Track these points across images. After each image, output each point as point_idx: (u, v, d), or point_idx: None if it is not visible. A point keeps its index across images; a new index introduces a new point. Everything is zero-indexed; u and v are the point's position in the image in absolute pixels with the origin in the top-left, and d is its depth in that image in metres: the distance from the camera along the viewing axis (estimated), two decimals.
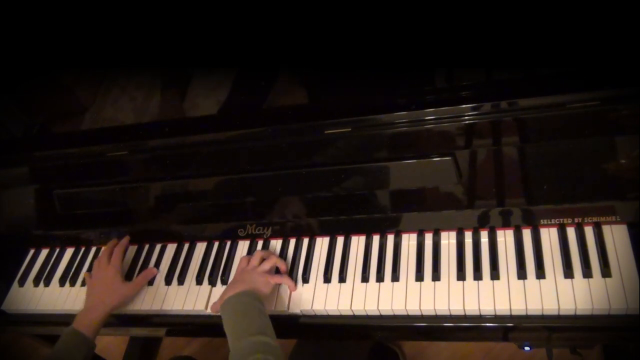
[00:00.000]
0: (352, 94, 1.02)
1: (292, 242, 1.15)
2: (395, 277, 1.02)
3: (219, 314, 1.01)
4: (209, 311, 1.10)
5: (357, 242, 1.10)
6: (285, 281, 1.07)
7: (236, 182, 1.13)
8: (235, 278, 1.07)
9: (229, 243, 1.20)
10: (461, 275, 0.98)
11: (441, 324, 0.97)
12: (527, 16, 0.83)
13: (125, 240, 1.23)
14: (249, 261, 1.09)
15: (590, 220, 0.97)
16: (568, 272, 0.93)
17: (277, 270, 1.10)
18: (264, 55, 0.98)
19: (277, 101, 1.04)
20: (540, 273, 0.94)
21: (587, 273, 0.92)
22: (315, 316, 1.05)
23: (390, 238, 1.08)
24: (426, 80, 0.96)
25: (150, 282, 1.19)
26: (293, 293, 1.07)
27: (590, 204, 0.96)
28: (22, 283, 1.30)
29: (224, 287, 1.13)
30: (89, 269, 1.24)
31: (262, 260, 1.09)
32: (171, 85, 1.08)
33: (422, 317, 0.99)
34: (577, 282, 0.92)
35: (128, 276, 1.21)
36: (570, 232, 0.98)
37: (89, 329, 1.05)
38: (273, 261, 1.08)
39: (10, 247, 1.37)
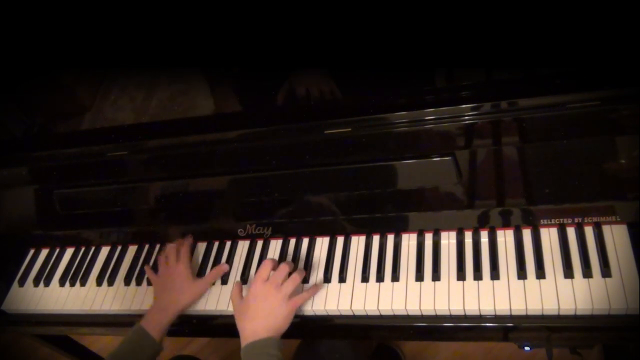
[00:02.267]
0: (352, 94, 1.02)
1: (292, 242, 1.15)
2: (395, 277, 1.02)
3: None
4: (208, 310, 1.10)
5: (357, 242, 1.10)
6: (310, 296, 1.02)
7: (236, 182, 1.13)
8: (256, 302, 0.97)
9: (229, 243, 1.20)
10: (461, 275, 0.98)
11: (441, 324, 0.97)
12: (527, 16, 0.83)
13: (190, 238, 1.18)
14: (269, 272, 1.01)
15: (590, 220, 0.97)
16: (568, 272, 0.93)
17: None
18: (263, 55, 0.98)
19: (277, 101, 1.04)
20: (540, 273, 0.94)
21: (587, 273, 0.92)
22: (315, 316, 1.05)
23: (390, 238, 1.08)
24: (426, 80, 0.96)
25: (149, 282, 1.19)
26: None
27: (590, 204, 0.96)
28: (22, 283, 1.30)
29: (224, 286, 1.13)
30: (141, 266, 1.21)
31: (286, 275, 1.01)
32: (171, 85, 1.08)
33: (422, 317, 0.99)
34: (577, 282, 0.92)
35: (127, 279, 1.21)
36: (570, 232, 0.98)
37: (157, 329, 1.02)
38: (297, 282, 1.00)
39: (10, 247, 1.37)
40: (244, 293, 1.04)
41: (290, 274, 1.03)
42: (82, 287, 1.24)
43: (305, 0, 0.89)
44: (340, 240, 1.12)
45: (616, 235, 0.95)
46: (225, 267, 1.13)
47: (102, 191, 1.21)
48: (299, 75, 1.01)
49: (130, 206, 1.22)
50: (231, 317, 1.07)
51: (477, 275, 0.97)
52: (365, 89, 1.01)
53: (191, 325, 1.13)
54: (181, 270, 1.10)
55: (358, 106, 0.98)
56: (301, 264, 1.11)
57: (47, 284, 1.28)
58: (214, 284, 1.14)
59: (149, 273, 1.16)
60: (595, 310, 0.89)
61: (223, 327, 1.12)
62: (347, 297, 1.03)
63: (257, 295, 0.98)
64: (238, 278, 1.13)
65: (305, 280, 1.08)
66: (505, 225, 1.02)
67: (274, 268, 1.04)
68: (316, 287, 1.04)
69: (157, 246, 1.25)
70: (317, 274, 1.08)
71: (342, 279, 1.06)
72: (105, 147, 1.15)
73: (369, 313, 1.01)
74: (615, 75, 0.85)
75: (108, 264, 1.26)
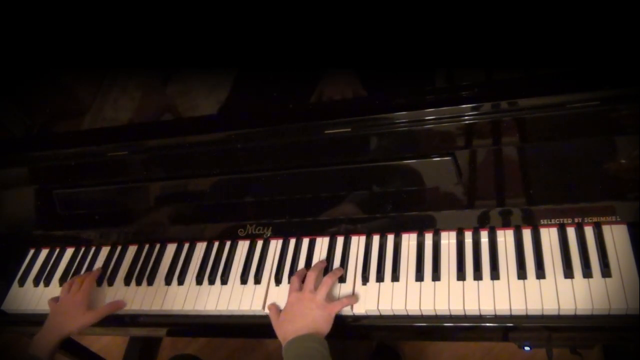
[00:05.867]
0: (352, 94, 1.02)
1: (292, 242, 1.15)
2: (395, 277, 1.02)
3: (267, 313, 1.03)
4: (208, 310, 1.10)
5: (357, 242, 1.10)
6: (349, 303, 1.01)
7: (236, 182, 1.13)
8: (294, 307, 1.00)
9: (229, 243, 1.20)
10: (461, 275, 0.98)
11: (441, 324, 0.97)
12: (527, 16, 0.83)
13: (97, 271, 1.23)
14: (300, 284, 1.03)
15: (590, 220, 0.97)
16: (568, 272, 0.93)
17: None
18: (263, 55, 0.98)
19: (276, 101, 1.04)
20: (540, 273, 0.94)
21: (587, 273, 0.92)
22: None
23: (390, 238, 1.08)
24: (426, 80, 0.96)
25: (150, 283, 1.19)
26: None
27: (590, 204, 0.96)
28: (22, 283, 1.30)
29: (224, 286, 1.13)
30: (68, 277, 1.25)
31: (315, 280, 1.02)
32: (171, 85, 1.08)
33: (422, 317, 0.99)
34: (577, 282, 0.92)
35: (127, 279, 1.21)
36: (570, 232, 0.98)
37: (44, 351, 1.06)
38: (329, 285, 1.01)
39: (10, 247, 1.37)
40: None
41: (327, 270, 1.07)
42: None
43: (306, 0, 0.89)
44: (340, 240, 1.12)
45: (616, 235, 0.95)
46: (122, 303, 1.16)
47: (102, 191, 1.21)
48: (299, 75, 1.01)
49: (130, 206, 1.22)
50: (229, 317, 1.08)
51: (477, 275, 0.97)
52: (366, 89, 1.00)
53: (191, 325, 1.14)
54: (77, 300, 1.13)
55: (358, 106, 0.98)
56: (301, 264, 1.11)
57: (47, 284, 1.28)
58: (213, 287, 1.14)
59: (49, 302, 1.18)
60: (595, 310, 0.89)
61: (223, 327, 1.12)
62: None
63: (294, 302, 1.01)
64: (238, 278, 1.13)
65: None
66: (505, 225, 1.02)
67: (303, 279, 1.05)
68: (354, 297, 1.03)
69: (157, 246, 1.25)
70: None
71: (342, 279, 1.06)
72: (105, 147, 1.15)
73: (369, 313, 1.01)
74: (615, 75, 0.85)
75: (108, 264, 1.26)
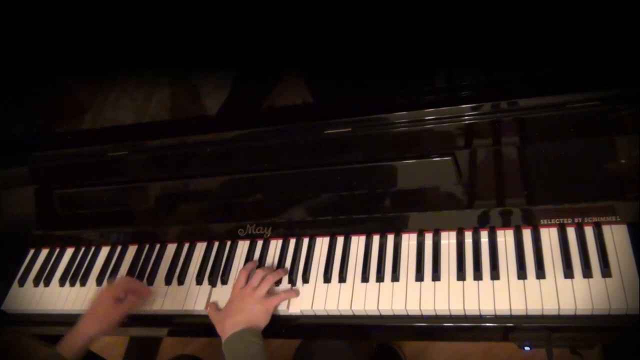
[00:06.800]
0: (352, 94, 1.02)
1: (292, 242, 1.15)
2: (395, 277, 1.02)
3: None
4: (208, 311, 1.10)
5: (357, 242, 1.10)
6: (286, 297, 1.06)
7: (236, 182, 1.13)
8: (234, 304, 1.05)
9: (229, 243, 1.20)
10: (461, 275, 0.98)
11: (441, 324, 0.97)
12: (527, 16, 0.83)
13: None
14: (246, 280, 1.08)
15: (590, 220, 0.97)
16: (568, 272, 0.93)
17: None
18: (263, 55, 0.98)
19: (277, 101, 1.04)
20: (540, 273, 0.94)
21: (587, 273, 0.92)
22: (316, 316, 1.05)
23: (390, 238, 1.08)
24: (426, 80, 0.96)
25: (150, 283, 1.19)
26: None
27: (590, 204, 0.96)
28: (22, 283, 1.30)
29: (224, 286, 1.13)
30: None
31: (262, 279, 1.06)
32: (171, 85, 1.08)
33: (422, 317, 0.99)
34: (577, 282, 0.92)
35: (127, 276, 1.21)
36: (570, 232, 0.98)
37: (69, 352, 1.03)
38: (270, 282, 1.06)
39: (10, 247, 1.37)
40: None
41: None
42: (82, 287, 1.24)
43: (306, 0, 0.89)
44: (340, 240, 1.12)
45: (616, 235, 0.95)
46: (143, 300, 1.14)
47: (102, 191, 1.21)
48: (299, 75, 1.01)
49: (130, 206, 1.22)
50: None
51: (477, 275, 0.97)
52: (366, 89, 1.01)
53: (191, 325, 1.14)
54: (107, 300, 1.09)
55: (358, 106, 0.98)
56: (301, 264, 1.11)
57: (47, 284, 1.28)
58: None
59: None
60: (595, 310, 0.89)
61: None
62: (347, 297, 1.03)
63: (235, 299, 1.06)
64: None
65: (306, 280, 1.08)
66: (505, 225, 1.02)
67: (248, 276, 1.09)
68: (292, 291, 1.07)
69: (157, 246, 1.25)
70: (317, 274, 1.08)
71: (342, 279, 1.06)
72: (105, 147, 1.15)
73: (369, 313, 1.01)
74: (615, 75, 0.85)
75: (108, 264, 1.26)
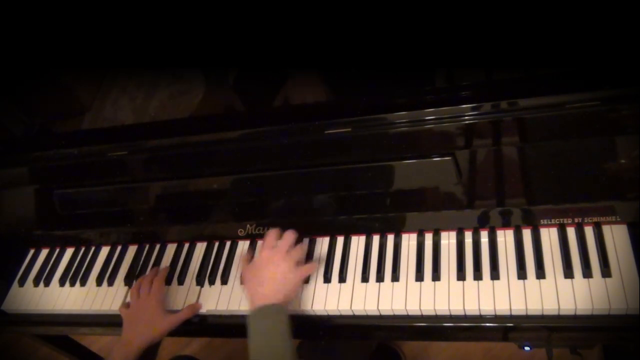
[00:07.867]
0: (352, 94, 1.02)
1: None
2: (395, 277, 1.02)
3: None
4: (208, 310, 1.10)
5: (357, 242, 1.10)
6: (314, 267, 1.03)
7: (236, 182, 1.13)
8: (267, 269, 0.98)
9: (229, 243, 1.20)
10: (461, 275, 0.98)
11: (441, 324, 0.97)
12: (527, 16, 0.83)
13: (165, 270, 1.15)
14: (275, 241, 1.02)
15: (590, 220, 0.97)
16: (568, 272, 0.93)
17: None
18: (263, 55, 0.98)
19: (277, 101, 1.04)
20: (540, 273, 0.94)
21: (587, 273, 0.92)
22: (315, 316, 1.05)
23: (390, 238, 1.08)
24: (426, 80, 0.96)
25: None
26: None
27: (590, 204, 0.96)
28: (22, 283, 1.30)
29: (224, 286, 1.13)
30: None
31: (292, 243, 1.02)
32: (171, 85, 1.08)
33: (422, 317, 0.99)
34: (577, 282, 0.92)
35: (127, 279, 1.21)
36: (570, 232, 0.98)
37: None
38: (304, 248, 1.02)
39: (10, 247, 1.37)
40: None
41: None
42: (82, 287, 1.24)
43: (306, 0, 0.89)
44: (340, 240, 1.12)
45: (616, 235, 0.95)
46: (200, 305, 1.10)
47: (102, 191, 1.21)
48: (299, 75, 1.01)
49: (131, 206, 1.22)
50: (231, 317, 1.07)
51: (477, 275, 0.97)
52: (366, 89, 1.01)
53: (191, 325, 1.13)
54: (152, 304, 1.07)
55: (358, 106, 0.98)
56: (301, 264, 1.11)
57: (47, 284, 1.28)
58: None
59: (121, 310, 1.11)
60: (595, 310, 0.89)
61: (223, 327, 1.12)
62: (347, 297, 1.03)
63: (267, 261, 0.99)
64: (238, 278, 1.13)
65: (305, 280, 1.08)
66: (505, 225, 1.02)
67: (279, 237, 1.05)
68: (314, 264, 1.05)
69: (157, 246, 1.25)
70: (317, 274, 1.08)
71: (342, 279, 1.06)
72: (105, 147, 1.15)
73: (369, 313, 1.01)
74: (615, 75, 0.85)
75: (108, 264, 1.26)
